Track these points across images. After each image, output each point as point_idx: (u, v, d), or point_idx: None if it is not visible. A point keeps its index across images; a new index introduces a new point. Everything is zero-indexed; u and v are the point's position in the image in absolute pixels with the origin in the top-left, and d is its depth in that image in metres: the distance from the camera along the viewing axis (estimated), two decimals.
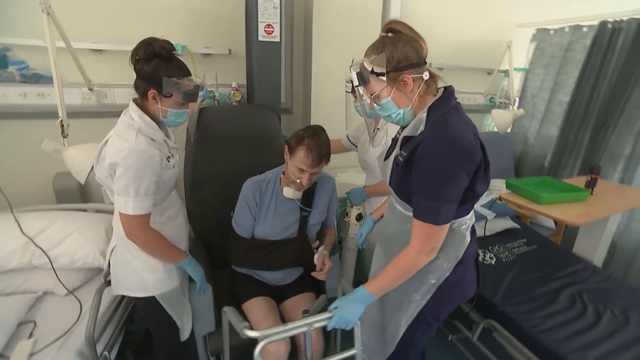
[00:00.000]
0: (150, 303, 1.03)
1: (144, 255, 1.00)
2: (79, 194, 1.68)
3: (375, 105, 0.83)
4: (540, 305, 1.34)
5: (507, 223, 1.87)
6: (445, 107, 0.79)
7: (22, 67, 1.50)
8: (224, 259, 1.34)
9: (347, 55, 2.14)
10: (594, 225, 1.50)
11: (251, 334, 0.82)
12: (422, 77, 0.79)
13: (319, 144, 1.12)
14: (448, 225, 0.80)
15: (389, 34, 0.81)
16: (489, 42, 2.55)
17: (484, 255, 1.65)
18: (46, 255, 1.24)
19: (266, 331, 0.82)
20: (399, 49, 0.77)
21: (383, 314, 1.02)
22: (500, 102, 2.61)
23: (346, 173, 2.12)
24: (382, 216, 1.23)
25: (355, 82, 0.81)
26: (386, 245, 1.02)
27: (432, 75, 0.81)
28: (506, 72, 2.58)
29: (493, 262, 1.61)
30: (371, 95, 0.81)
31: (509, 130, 2.53)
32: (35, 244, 1.25)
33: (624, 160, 2.06)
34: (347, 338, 1.25)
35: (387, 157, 0.93)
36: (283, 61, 1.96)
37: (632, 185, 2.00)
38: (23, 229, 1.27)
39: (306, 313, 0.87)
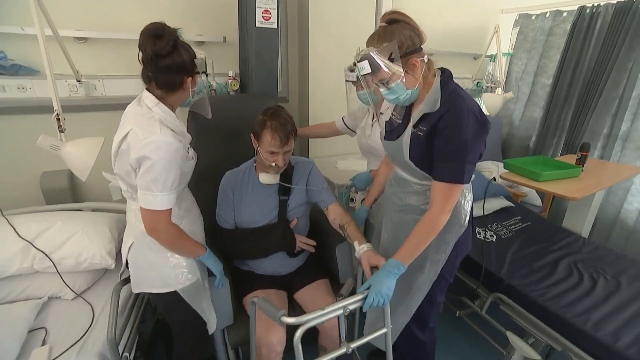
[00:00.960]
0: (173, 299, 1.01)
1: (164, 251, 0.97)
2: (70, 194, 1.59)
3: (383, 90, 0.90)
4: (542, 277, 1.43)
5: (503, 202, 1.96)
6: (452, 85, 0.91)
7: (0, 58, 1.38)
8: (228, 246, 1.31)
9: (343, 42, 2.15)
10: (582, 200, 1.60)
11: (288, 320, 0.82)
12: (424, 59, 0.88)
13: (282, 122, 1.13)
14: (463, 186, 0.90)
15: (390, 23, 0.87)
16: (474, 27, 2.62)
17: (485, 233, 1.73)
18: (49, 258, 1.17)
19: (303, 317, 0.82)
20: (406, 35, 0.84)
21: (405, 280, 1.07)
22: (487, 86, 2.70)
23: (346, 160, 2.13)
24: (373, 203, 1.31)
25: (367, 70, 0.86)
26: (396, 218, 1.08)
27: (428, 59, 0.91)
28: (492, 57, 2.66)
29: (494, 240, 1.69)
30: (380, 80, 0.87)
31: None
32: (35, 247, 1.17)
33: (603, 138, 2.20)
34: (361, 324, 1.29)
35: (395, 137, 1.00)
36: (279, 48, 1.92)
37: (611, 161, 2.15)
38: (19, 233, 1.19)
39: (340, 296, 0.88)
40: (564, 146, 2.42)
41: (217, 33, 1.76)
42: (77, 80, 1.48)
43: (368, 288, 0.90)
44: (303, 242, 1.30)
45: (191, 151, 1.01)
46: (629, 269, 1.50)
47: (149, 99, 0.89)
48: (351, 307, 0.87)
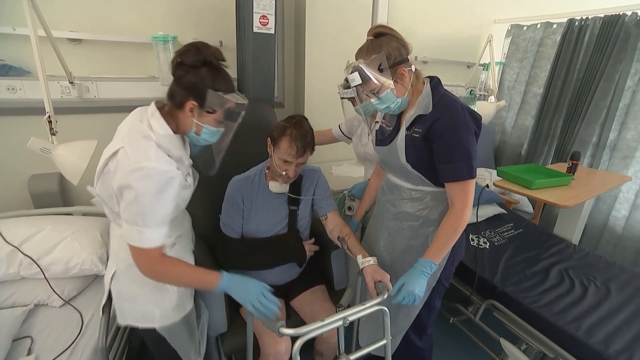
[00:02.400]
0: (158, 335, 0.94)
1: (151, 284, 0.87)
2: (60, 197, 1.55)
3: (374, 100, 0.93)
4: (534, 284, 1.44)
5: (496, 209, 1.99)
6: (441, 89, 0.95)
7: None
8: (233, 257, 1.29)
9: (339, 49, 2.16)
10: (572, 207, 1.63)
11: (287, 332, 0.80)
12: (411, 69, 0.92)
13: (302, 133, 1.09)
14: (474, 180, 0.93)
15: (377, 37, 0.91)
16: (468, 36, 2.66)
17: (479, 240, 1.74)
18: (37, 264, 1.14)
19: (302, 329, 0.81)
20: (393, 47, 0.89)
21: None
22: (480, 94, 2.74)
23: (341, 166, 2.13)
24: (364, 216, 1.33)
25: (358, 82, 0.89)
26: (392, 225, 1.09)
27: (415, 68, 0.95)
28: (485, 66, 2.71)
29: (487, 246, 1.70)
30: (371, 90, 0.91)
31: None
32: (22, 252, 1.14)
33: (592, 147, 2.25)
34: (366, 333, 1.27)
35: (388, 141, 1.02)
36: (276, 54, 1.92)
37: (599, 169, 2.20)
38: (6, 237, 1.16)
39: (340, 307, 0.87)
40: (554, 154, 2.47)
41: (213, 37, 1.76)
42: (70, 82, 1.46)
43: (401, 286, 0.93)
44: (312, 249, 1.27)
45: (189, 179, 0.92)
46: (618, 276, 1.53)
47: (154, 114, 0.81)
48: (351, 319, 0.86)
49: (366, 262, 1.01)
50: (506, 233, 1.84)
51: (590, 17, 2.25)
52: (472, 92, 2.77)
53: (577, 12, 2.32)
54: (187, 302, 0.98)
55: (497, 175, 1.80)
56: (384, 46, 0.88)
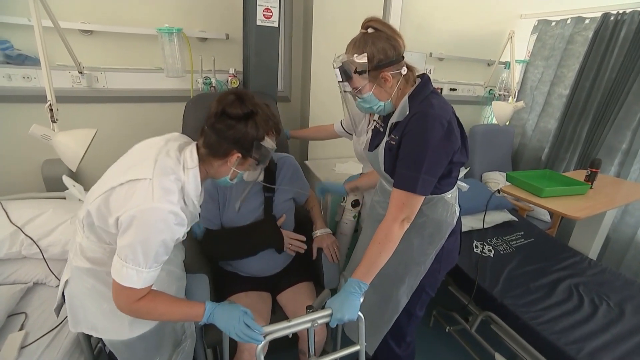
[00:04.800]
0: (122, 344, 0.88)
1: (101, 299, 0.82)
2: None
3: (357, 99, 0.89)
4: (538, 298, 1.35)
5: (505, 216, 1.88)
6: (425, 93, 0.86)
7: (6, 47, 1.42)
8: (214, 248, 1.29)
9: (348, 43, 2.09)
10: (590, 218, 1.50)
11: None
12: (400, 72, 0.85)
13: (264, 119, 1.10)
14: (422, 198, 0.85)
15: (369, 30, 0.84)
16: (490, 32, 2.52)
17: (483, 248, 1.65)
18: (36, 245, 1.20)
19: (268, 327, 0.80)
20: (379, 48, 0.81)
21: (383, 291, 1.05)
22: (500, 94, 2.59)
23: (345, 163, 2.09)
24: (356, 190, 1.40)
25: (339, 78, 0.85)
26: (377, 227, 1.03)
27: (409, 69, 0.87)
28: (506, 64, 2.55)
29: (491, 255, 1.61)
30: (354, 89, 0.87)
31: (507, 123, 2.52)
32: (24, 233, 1.20)
33: (621, 154, 2.07)
34: (351, 330, 1.26)
35: (374, 147, 0.98)
36: (281, 48, 1.90)
37: (628, 180, 2.02)
38: (11, 218, 1.22)
39: (310, 309, 0.85)
40: (577, 160, 2.30)
41: (220, 30, 1.77)
42: (79, 72, 1.51)
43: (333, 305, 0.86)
44: (291, 237, 1.28)
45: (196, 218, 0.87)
46: (636, 296, 1.40)
47: (192, 160, 0.78)
48: (320, 322, 0.84)
49: (316, 234, 1.23)
50: (515, 242, 1.74)
51: (627, 11, 2.06)
52: (491, 91, 2.62)
53: (613, 5, 2.12)
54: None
55: (507, 180, 1.70)
56: (369, 45, 0.81)
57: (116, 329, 0.85)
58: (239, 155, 0.79)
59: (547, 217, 2.23)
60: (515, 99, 2.45)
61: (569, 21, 2.36)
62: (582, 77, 2.24)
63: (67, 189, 1.59)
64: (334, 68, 0.85)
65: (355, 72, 0.82)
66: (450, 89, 2.52)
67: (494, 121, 2.60)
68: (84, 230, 0.79)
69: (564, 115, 2.35)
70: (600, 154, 2.13)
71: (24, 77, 1.48)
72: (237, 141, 0.78)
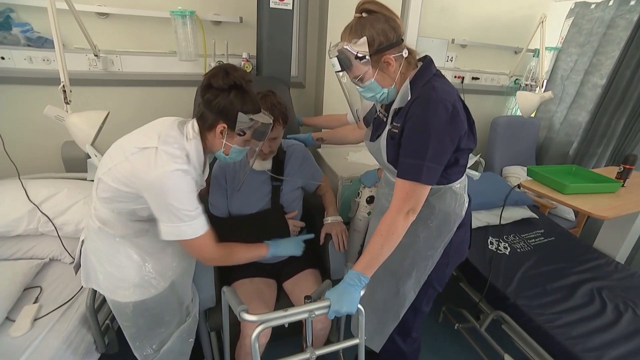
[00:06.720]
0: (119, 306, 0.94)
1: (117, 255, 0.89)
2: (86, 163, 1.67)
3: (359, 87, 0.84)
4: (555, 300, 1.28)
5: (525, 212, 1.78)
6: (427, 76, 0.81)
7: (26, 30, 1.45)
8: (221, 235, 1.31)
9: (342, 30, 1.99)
10: (620, 219, 1.39)
11: (248, 317, 0.79)
12: (402, 55, 0.80)
13: (268, 107, 1.09)
14: (428, 188, 0.80)
15: (363, 14, 0.79)
16: (519, 17, 2.35)
17: (498, 244, 1.58)
18: (52, 222, 1.24)
19: (264, 316, 0.79)
20: (378, 30, 0.76)
21: (390, 287, 1.02)
22: (526, 84, 2.43)
23: (359, 152, 2.04)
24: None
25: (338, 68, 0.80)
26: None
27: (410, 51, 0.82)
28: (535, 52, 2.38)
29: (507, 252, 1.54)
30: (354, 78, 0.82)
31: (532, 115, 2.37)
32: (41, 211, 1.25)
33: None
34: (356, 327, 1.24)
35: (375, 137, 0.93)
36: (296, 32, 1.85)
37: None
38: (30, 196, 1.27)
39: (308, 299, 0.83)
40: (610, 157, 2.13)
41: (234, 13, 1.74)
42: (95, 55, 1.53)
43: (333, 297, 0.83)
44: (296, 225, 1.27)
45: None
46: None
47: (194, 132, 0.84)
48: (318, 313, 0.82)
49: (327, 220, 1.23)
50: (533, 240, 1.65)
51: None
52: (517, 81, 2.46)
53: None
54: (151, 287, 0.93)
55: (527, 175, 1.59)
56: (367, 28, 0.76)
57: (119, 290, 0.91)
58: (224, 125, 0.82)
59: (571, 216, 2.10)
60: (542, 89, 2.29)
61: (611, 3, 2.15)
62: (623, 65, 2.06)
63: (85, 170, 1.65)
64: (330, 58, 0.80)
65: (356, 58, 0.77)
66: (473, 78, 2.39)
67: (518, 113, 2.46)
68: (97, 193, 0.86)
69: (597, 107, 2.17)
70: (636, 150, 1.97)
71: (44, 60, 1.52)
72: (221, 111, 0.81)
